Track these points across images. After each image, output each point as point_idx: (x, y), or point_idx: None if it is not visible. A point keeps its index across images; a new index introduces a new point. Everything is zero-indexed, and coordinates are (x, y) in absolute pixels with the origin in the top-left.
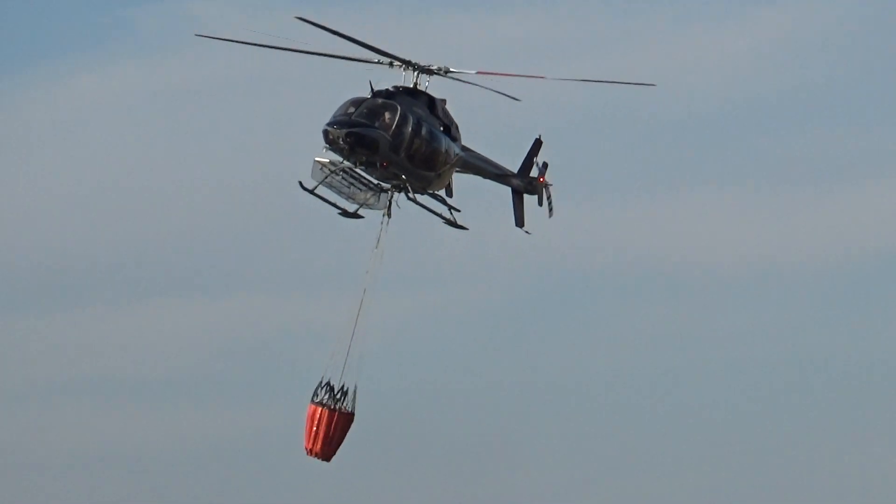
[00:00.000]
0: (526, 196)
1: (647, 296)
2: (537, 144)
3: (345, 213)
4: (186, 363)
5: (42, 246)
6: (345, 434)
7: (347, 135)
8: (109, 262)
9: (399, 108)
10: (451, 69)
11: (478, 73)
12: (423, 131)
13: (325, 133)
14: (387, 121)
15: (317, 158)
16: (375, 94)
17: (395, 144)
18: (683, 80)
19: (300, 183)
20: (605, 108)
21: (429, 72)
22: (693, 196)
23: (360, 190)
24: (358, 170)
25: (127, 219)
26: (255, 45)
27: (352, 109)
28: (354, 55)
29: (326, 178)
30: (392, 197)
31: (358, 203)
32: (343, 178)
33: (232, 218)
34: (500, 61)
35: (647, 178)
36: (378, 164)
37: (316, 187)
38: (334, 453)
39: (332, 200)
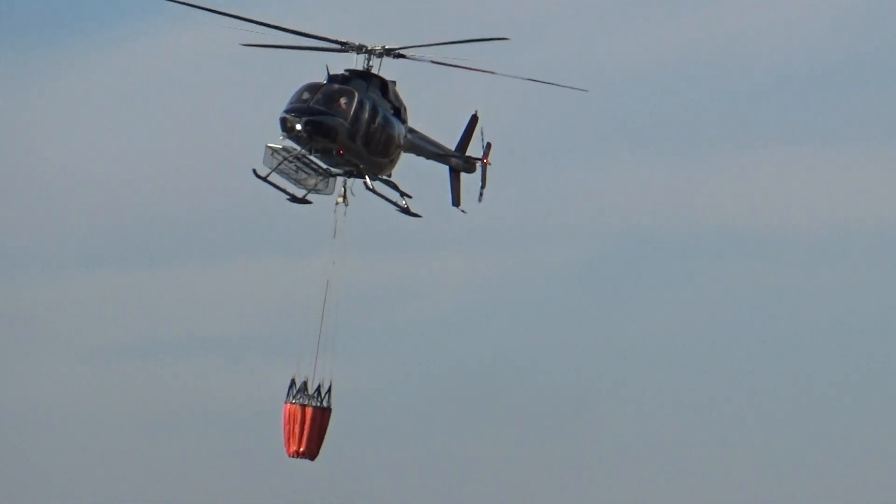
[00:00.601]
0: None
1: (720, 256)
2: (474, 120)
3: (294, 199)
4: (269, 320)
5: (128, 204)
6: (326, 430)
7: (306, 123)
8: (196, 221)
9: (356, 94)
10: (404, 54)
11: (431, 62)
12: (379, 118)
13: (283, 120)
14: (344, 107)
15: (268, 144)
16: (331, 79)
17: (353, 132)
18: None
19: (254, 171)
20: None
21: (380, 55)
22: (763, 157)
23: (309, 175)
24: (311, 156)
25: (214, 179)
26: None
27: (307, 96)
28: (304, 43)
29: (279, 165)
30: (346, 184)
31: (307, 188)
32: (294, 163)
33: None
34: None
35: (717, 140)
36: (335, 152)
37: (269, 175)
38: (318, 451)
39: (282, 186)
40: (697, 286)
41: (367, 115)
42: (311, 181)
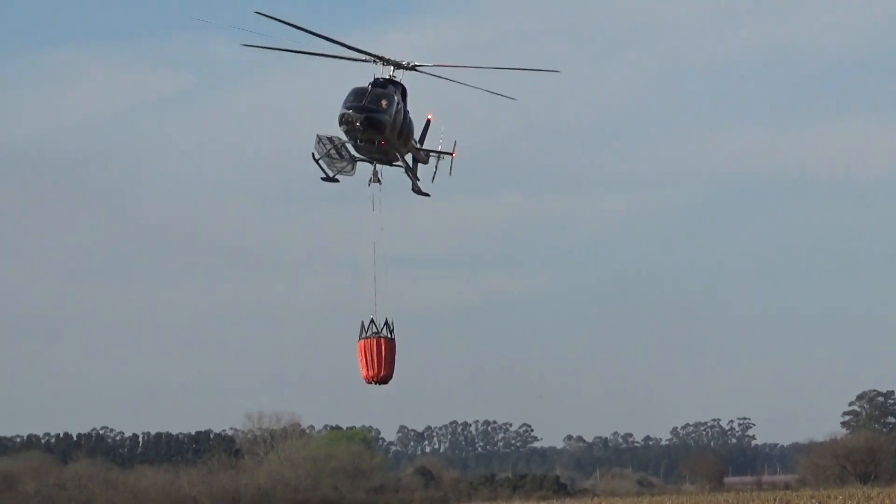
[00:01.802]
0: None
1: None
2: (428, 122)
3: (325, 178)
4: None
5: None
6: (394, 356)
7: (365, 118)
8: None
9: (395, 97)
10: (417, 64)
11: (434, 65)
12: (407, 116)
13: (344, 115)
14: (386, 107)
15: (318, 133)
16: (374, 84)
17: (393, 126)
18: None
19: (312, 154)
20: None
21: (399, 66)
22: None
23: (338, 160)
24: (347, 145)
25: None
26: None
27: (360, 97)
28: (342, 54)
29: (329, 151)
30: (376, 168)
31: (336, 169)
32: (334, 150)
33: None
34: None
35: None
36: (377, 142)
37: (320, 158)
38: (392, 374)
39: (322, 166)
40: (778, 217)
41: (401, 115)
42: (340, 164)
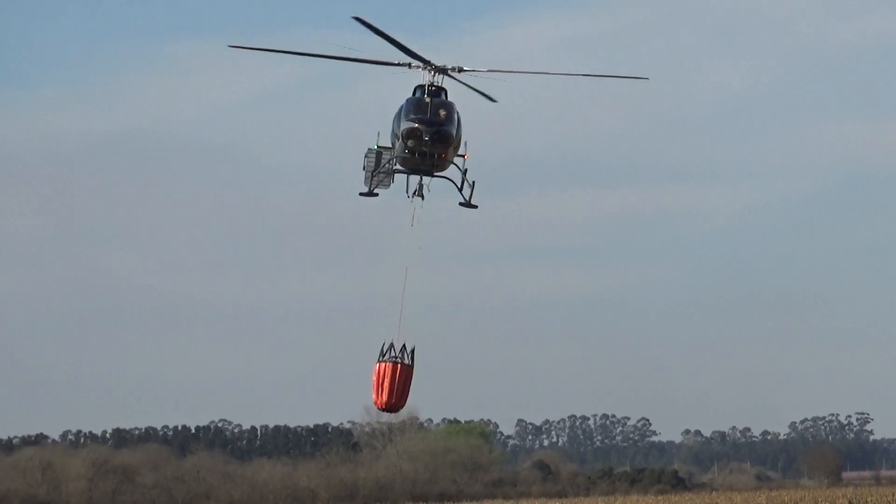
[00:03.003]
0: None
1: None
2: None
3: (366, 194)
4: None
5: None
6: (410, 384)
7: (435, 132)
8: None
9: (453, 106)
10: (465, 67)
11: (489, 70)
12: (461, 127)
13: (413, 130)
14: (447, 118)
15: (370, 147)
16: (429, 94)
17: (455, 138)
18: None
19: (365, 168)
20: None
21: (444, 71)
22: None
23: (376, 174)
24: (394, 159)
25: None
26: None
27: (423, 109)
28: (374, 59)
29: (385, 164)
30: (422, 181)
31: (375, 183)
32: (381, 163)
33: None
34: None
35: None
36: (438, 155)
37: (374, 172)
38: (405, 403)
39: (369, 181)
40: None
41: (459, 126)
42: (379, 177)
